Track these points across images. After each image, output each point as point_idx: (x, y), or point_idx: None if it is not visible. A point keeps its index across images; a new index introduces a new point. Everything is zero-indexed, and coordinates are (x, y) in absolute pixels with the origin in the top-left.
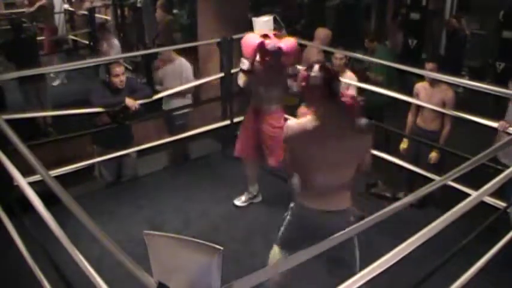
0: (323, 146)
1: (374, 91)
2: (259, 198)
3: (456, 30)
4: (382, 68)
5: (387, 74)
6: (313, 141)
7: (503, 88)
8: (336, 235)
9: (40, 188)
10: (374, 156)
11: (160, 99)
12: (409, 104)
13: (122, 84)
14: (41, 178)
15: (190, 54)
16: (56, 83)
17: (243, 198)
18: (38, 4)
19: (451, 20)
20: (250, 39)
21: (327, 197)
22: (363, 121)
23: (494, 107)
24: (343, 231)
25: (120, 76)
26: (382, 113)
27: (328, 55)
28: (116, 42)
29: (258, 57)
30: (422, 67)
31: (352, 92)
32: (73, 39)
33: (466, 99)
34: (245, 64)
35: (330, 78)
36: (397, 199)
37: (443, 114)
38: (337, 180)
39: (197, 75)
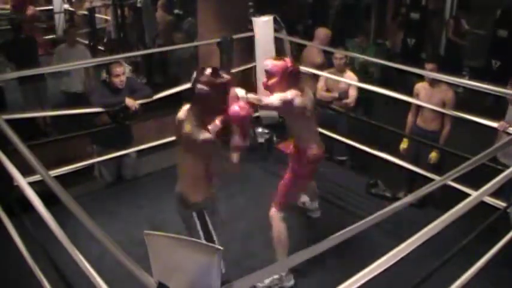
0: (179, 128)
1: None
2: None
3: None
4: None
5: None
6: (179, 124)
7: (501, 87)
8: (336, 234)
9: (40, 188)
10: (373, 155)
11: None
12: (409, 104)
13: (122, 84)
14: (41, 178)
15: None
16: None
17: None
18: (29, 13)
19: (449, 22)
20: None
21: (178, 178)
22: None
23: (494, 106)
24: (345, 230)
25: (121, 76)
26: (371, 106)
27: (328, 55)
28: (81, 47)
29: None
30: (421, 67)
31: (353, 91)
32: None
33: (466, 99)
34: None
35: (195, 81)
36: (397, 199)
37: (443, 114)
38: (179, 161)
39: None
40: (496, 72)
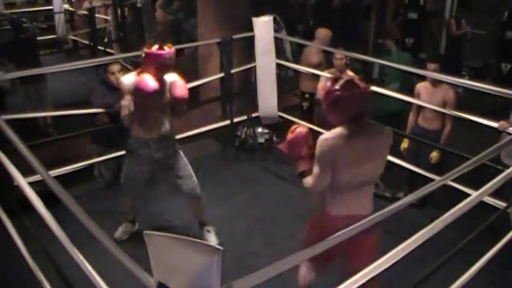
0: None
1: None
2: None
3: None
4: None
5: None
6: None
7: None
8: (336, 234)
9: (40, 188)
10: None
11: None
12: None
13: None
14: (41, 178)
15: None
16: None
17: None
18: None
19: (450, 21)
20: None
21: None
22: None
23: (494, 106)
24: (345, 230)
25: (115, 74)
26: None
27: (328, 55)
28: None
29: None
30: (420, 66)
31: None
32: (73, 39)
33: (466, 99)
34: None
35: None
36: (397, 199)
37: (444, 113)
38: None
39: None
40: (507, 76)
